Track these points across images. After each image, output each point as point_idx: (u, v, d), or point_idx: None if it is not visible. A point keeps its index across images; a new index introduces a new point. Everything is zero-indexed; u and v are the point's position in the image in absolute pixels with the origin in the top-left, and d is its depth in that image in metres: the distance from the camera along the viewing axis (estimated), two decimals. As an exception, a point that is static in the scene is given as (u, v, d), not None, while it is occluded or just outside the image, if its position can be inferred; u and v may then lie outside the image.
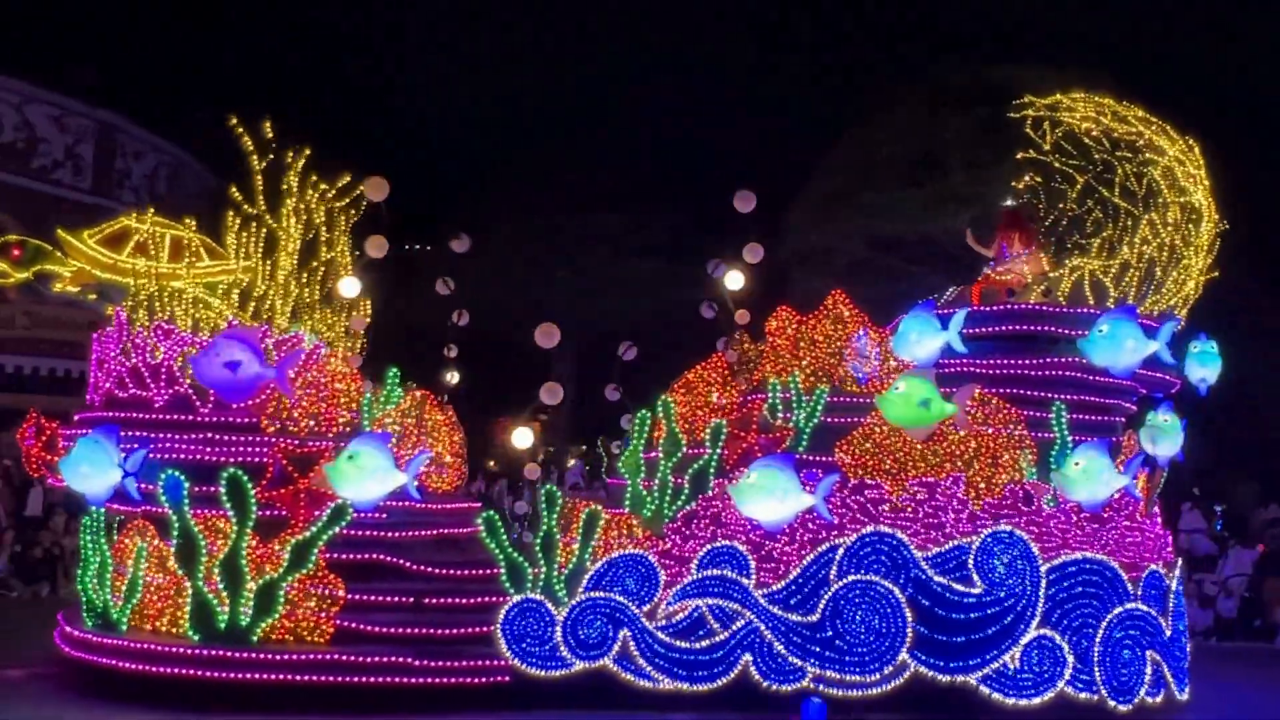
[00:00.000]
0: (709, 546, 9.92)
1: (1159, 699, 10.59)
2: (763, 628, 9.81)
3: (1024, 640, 10.08)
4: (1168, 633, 10.72)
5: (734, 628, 9.81)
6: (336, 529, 9.50)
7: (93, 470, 9.28)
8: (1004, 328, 11.16)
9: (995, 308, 11.37)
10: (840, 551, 9.95)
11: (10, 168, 26.33)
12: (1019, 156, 12.36)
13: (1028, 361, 10.96)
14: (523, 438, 9.84)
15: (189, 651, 9.25)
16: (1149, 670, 10.48)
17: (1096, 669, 10.23)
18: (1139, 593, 10.55)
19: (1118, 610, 10.38)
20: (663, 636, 9.73)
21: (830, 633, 9.83)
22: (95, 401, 10.31)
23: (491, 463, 30.14)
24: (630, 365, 12.35)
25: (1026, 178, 12.59)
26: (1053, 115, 11.94)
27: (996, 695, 10.00)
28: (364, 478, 9.38)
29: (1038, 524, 10.40)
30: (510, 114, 36.05)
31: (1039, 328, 11.06)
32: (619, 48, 35.79)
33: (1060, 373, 10.90)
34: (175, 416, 9.88)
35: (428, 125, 35.27)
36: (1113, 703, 10.23)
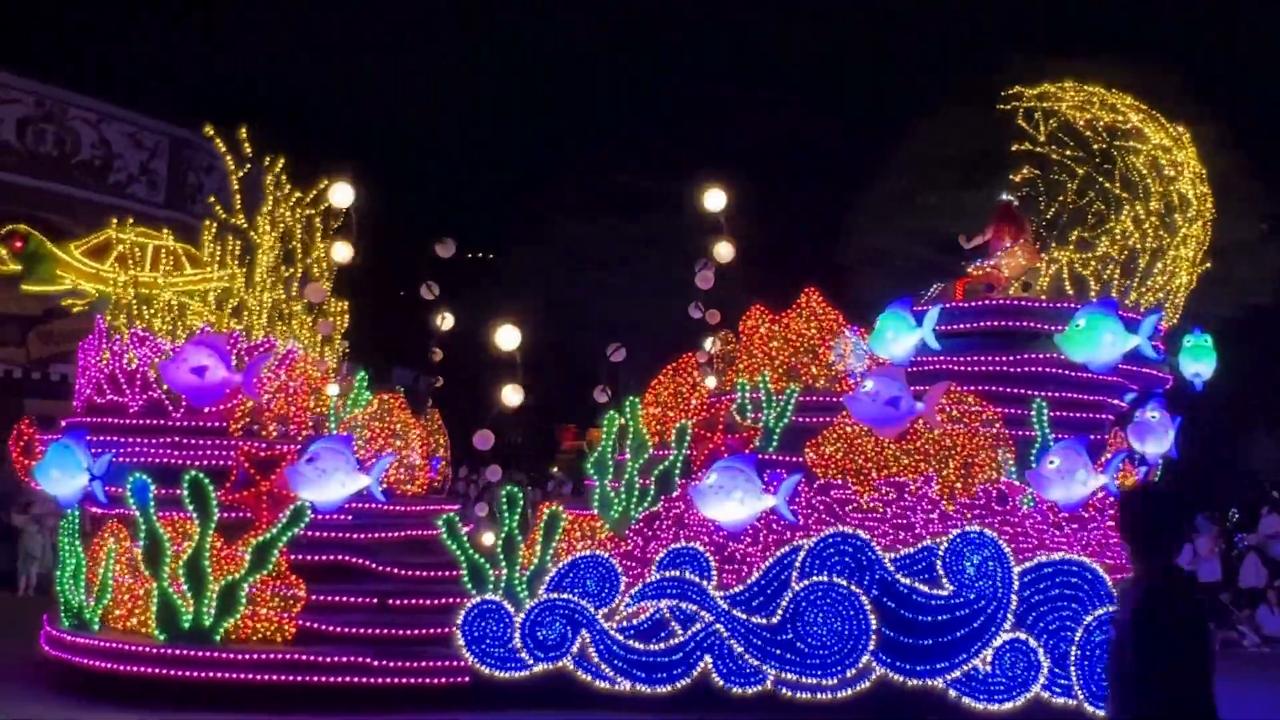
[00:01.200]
0: (670, 548, 9.87)
1: (1145, 705, 10.23)
2: (722, 630, 9.71)
3: (995, 643, 9.82)
4: (1155, 637, 10.36)
5: (693, 629, 9.73)
6: (296, 530, 9.65)
7: (62, 474, 9.60)
8: (982, 324, 10.90)
9: (972, 304, 11.11)
10: (802, 553, 9.81)
11: (88, 184, 27.27)
12: (1014, 149, 12.06)
13: (1006, 358, 10.69)
14: (484, 439, 9.90)
15: (154, 650, 9.48)
16: (1133, 675, 10.13)
17: (1074, 673, 9.91)
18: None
19: (1098, 612, 10.05)
20: (621, 638, 9.69)
21: (790, 635, 9.69)
22: (79, 408, 10.63)
23: (555, 468, 30.31)
24: (620, 365, 12.31)
25: (1025, 170, 12.28)
26: (1043, 106, 11.62)
27: (966, 699, 9.77)
28: (324, 480, 9.56)
29: (1013, 524, 10.16)
30: (567, 115, 36.22)
31: (1017, 323, 10.78)
32: (678, 45, 35.74)
33: (1041, 369, 10.62)
34: (148, 421, 10.15)
35: (481, 129, 35.66)
36: (1091, 708, 9.90)
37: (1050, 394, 10.58)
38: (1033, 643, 9.89)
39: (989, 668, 9.81)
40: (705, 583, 9.78)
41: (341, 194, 10.28)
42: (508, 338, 9.98)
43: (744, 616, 9.73)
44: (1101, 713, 9.97)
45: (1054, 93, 11.60)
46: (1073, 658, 9.93)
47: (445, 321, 11.72)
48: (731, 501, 9.68)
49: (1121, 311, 10.58)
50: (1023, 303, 10.97)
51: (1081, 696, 9.92)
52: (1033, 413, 10.50)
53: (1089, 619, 10.03)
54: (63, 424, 10.61)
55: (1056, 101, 11.51)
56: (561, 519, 10.01)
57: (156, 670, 9.42)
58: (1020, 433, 10.56)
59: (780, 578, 9.81)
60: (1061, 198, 12.16)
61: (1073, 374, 10.57)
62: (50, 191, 26.08)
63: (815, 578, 9.76)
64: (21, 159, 27.00)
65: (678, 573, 9.79)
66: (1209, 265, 11.22)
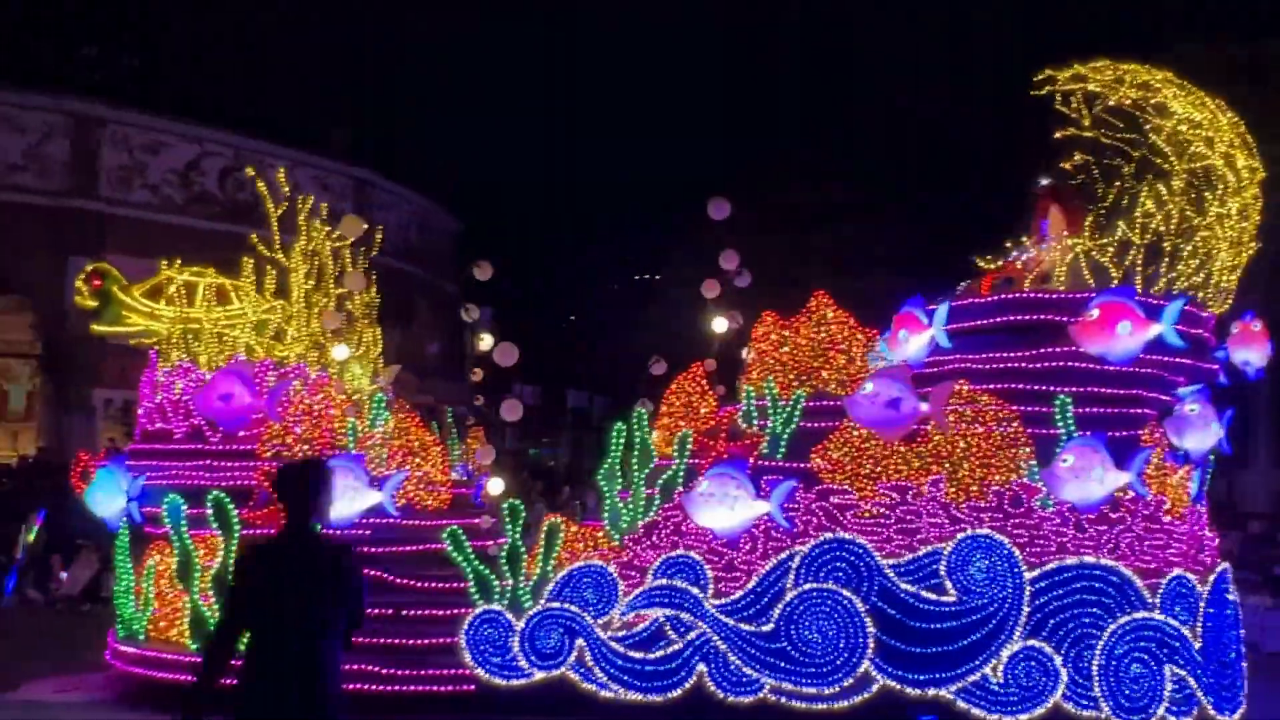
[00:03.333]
0: (664, 556, 9.87)
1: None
2: (716, 638, 9.64)
3: (1006, 652, 9.39)
4: (1197, 645, 9.64)
5: (688, 638, 9.69)
6: (309, 545, 10.12)
7: (105, 497, 10.44)
8: (997, 319, 10.39)
9: (985, 299, 10.62)
10: (797, 560, 9.64)
11: (281, 226, 29.54)
12: (1057, 136, 11.43)
13: (1025, 353, 10.16)
14: (488, 454, 10.16)
15: (185, 659, 10.15)
16: (1170, 687, 9.47)
17: (1098, 684, 9.36)
18: (1158, 601, 9.58)
19: (1124, 620, 9.47)
20: (617, 646, 9.75)
21: (785, 643, 9.53)
22: (137, 435, 11.51)
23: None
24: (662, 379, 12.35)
25: (1075, 156, 11.62)
26: (1077, 87, 11.00)
27: (976, 710, 9.36)
28: (335, 497, 10.01)
29: (1028, 527, 9.67)
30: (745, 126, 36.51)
31: (1033, 316, 10.23)
32: (859, 54, 35.63)
33: (1063, 364, 10.04)
34: (189, 446, 10.89)
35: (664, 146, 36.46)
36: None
37: (1075, 389, 9.99)
38: (1050, 651, 9.40)
39: (1000, 677, 9.38)
40: (699, 591, 9.73)
41: (349, 227, 10.87)
42: (505, 354, 10.23)
43: (738, 625, 9.63)
44: (1129, 726, 9.38)
45: (1086, 73, 10.98)
46: (1096, 667, 9.39)
47: (483, 342, 12.06)
48: (723, 508, 9.62)
49: (1147, 299, 9.93)
50: (1039, 295, 10.41)
51: (1107, 708, 9.35)
52: (1055, 410, 9.94)
53: (1114, 625, 9.47)
54: (126, 450, 11.52)
55: (1088, 83, 10.88)
56: (562, 530, 10.17)
57: (187, 676, 10.07)
58: (1044, 431, 10.00)
59: (775, 585, 9.67)
60: (1118, 182, 11.45)
61: (1099, 368, 9.95)
62: (247, 236, 28.17)
63: (809, 584, 9.57)
64: (223, 208, 29.29)
65: (672, 581, 9.79)
66: (1258, 245, 10.34)
